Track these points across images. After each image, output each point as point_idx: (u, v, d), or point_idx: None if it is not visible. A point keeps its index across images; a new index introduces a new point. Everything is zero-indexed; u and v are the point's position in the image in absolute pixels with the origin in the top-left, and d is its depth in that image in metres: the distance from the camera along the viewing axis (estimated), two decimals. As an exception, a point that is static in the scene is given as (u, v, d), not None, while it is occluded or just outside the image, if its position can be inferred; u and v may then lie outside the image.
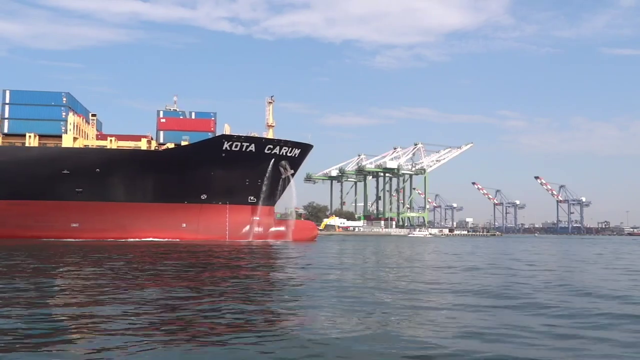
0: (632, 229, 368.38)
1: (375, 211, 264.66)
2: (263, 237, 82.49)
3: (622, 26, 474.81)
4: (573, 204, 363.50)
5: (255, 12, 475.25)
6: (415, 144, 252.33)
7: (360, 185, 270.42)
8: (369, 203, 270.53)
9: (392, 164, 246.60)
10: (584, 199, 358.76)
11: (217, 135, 79.22)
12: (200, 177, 77.29)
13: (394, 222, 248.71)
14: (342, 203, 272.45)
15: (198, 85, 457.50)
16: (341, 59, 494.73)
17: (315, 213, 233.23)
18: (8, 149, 73.03)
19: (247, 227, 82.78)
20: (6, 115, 73.77)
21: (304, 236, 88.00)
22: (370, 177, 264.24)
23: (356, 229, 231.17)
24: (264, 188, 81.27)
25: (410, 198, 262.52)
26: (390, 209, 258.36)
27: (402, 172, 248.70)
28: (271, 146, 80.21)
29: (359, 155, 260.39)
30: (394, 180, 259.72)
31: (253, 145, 78.55)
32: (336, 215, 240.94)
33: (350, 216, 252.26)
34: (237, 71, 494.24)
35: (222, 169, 77.28)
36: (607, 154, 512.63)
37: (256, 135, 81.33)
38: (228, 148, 77.01)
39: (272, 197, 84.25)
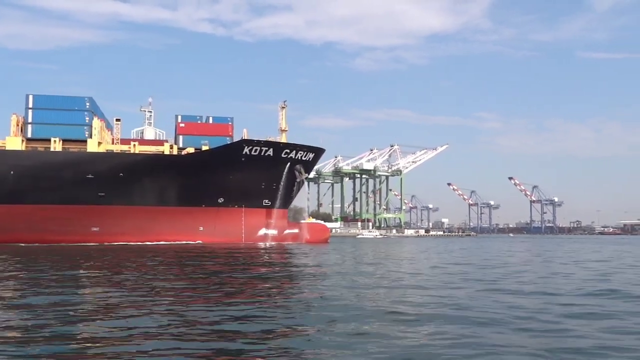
0: (602, 229, 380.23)
1: (352, 212, 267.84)
2: (278, 240, 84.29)
3: (596, 30, 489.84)
4: (546, 204, 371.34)
5: (237, 14, 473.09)
6: (392, 146, 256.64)
7: (337, 186, 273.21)
8: (346, 204, 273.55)
9: (368, 166, 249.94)
10: (556, 199, 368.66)
11: (237, 140, 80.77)
12: (218, 181, 78.67)
13: (370, 223, 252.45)
14: (319, 204, 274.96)
15: (179, 87, 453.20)
16: (322, 61, 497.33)
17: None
18: (33, 153, 72.80)
19: (263, 230, 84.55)
20: (30, 120, 73.51)
21: (317, 238, 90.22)
22: (347, 178, 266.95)
23: (333, 230, 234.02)
24: (279, 191, 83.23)
25: (387, 199, 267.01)
26: (367, 210, 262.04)
27: (379, 173, 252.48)
28: (288, 150, 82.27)
29: (336, 157, 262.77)
30: (371, 181, 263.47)
31: (271, 149, 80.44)
32: (313, 217, 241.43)
33: (327, 218, 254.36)
34: (218, 72, 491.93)
35: (240, 173, 78.85)
36: (581, 155, 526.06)
37: (273, 140, 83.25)
38: (248, 152, 78.65)
39: (286, 201, 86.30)
